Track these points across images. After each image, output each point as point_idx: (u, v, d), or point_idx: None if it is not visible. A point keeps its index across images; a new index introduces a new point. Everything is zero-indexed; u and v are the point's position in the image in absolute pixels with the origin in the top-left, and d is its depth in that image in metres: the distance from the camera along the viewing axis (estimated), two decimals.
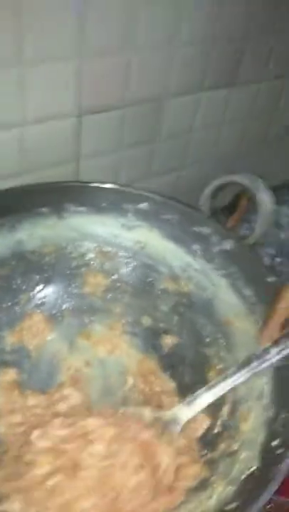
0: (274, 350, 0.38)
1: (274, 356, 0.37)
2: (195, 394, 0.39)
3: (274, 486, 0.29)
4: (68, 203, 0.48)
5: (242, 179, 0.49)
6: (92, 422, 0.37)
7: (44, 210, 0.47)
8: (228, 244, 0.47)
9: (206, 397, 0.38)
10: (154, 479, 0.34)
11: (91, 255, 0.50)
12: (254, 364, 0.38)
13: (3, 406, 0.39)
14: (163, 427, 0.38)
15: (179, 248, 0.49)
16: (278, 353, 0.37)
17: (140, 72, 0.53)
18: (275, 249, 0.78)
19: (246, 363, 0.38)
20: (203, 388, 0.39)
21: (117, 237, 0.50)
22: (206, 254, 0.48)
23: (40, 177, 0.52)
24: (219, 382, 0.38)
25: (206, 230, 0.47)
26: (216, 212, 0.52)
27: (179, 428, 0.37)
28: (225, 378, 0.38)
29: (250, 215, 0.83)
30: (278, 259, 0.76)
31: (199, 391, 0.39)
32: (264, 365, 0.37)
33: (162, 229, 0.49)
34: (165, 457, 0.35)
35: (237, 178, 0.49)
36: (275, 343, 0.38)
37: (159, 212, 0.49)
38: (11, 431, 0.37)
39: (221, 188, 0.51)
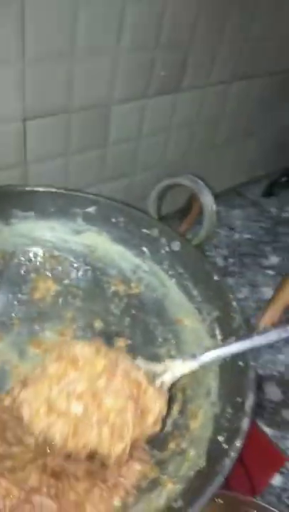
0: (273, 332, 0.38)
1: (273, 336, 0.38)
2: (191, 354, 0.39)
3: (220, 481, 0.30)
4: (15, 209, 0.47)
5: (184, 180, 0.50)
6: (83, 350, 0.37)
7: None
8: (175, 246, 0.48)
9: (202, 358, 0.38)
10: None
11: (40, 260, 0.50)
12: (255, 338, 0.38)
13: None
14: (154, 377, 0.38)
15: (128, 251, 0.50)
16: (278, 335, 0.38)
17: (84, 78, 0.53)
18: (228, 250, 0.81)
19: (247, 336, 0.38)
20: (199, 351, 0.39)
21: (66, 242, 0.50)
22: (154, 256, 0.49)
23: None
24: (217, 347, 0.39)
25: (153, 231, 0.48)
26: (165, 216, 0.53)
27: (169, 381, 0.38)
28: (222, 346, 0.39)
29: (202, 219, 0.86)
30: (231, 260, 0.79)
31: (196, 353, 0.39)
32: (262, 342, 0.38)
33: (111, 232, 0.50)
34: (156, 406, 0.36)
35: (179, 179, 0.50)
36: (275, 326, 0.39)
37: (107, 215, 0.49)
38: None
39: (166, 191, 0.52)
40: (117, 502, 0.33)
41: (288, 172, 0.94)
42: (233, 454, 0.31)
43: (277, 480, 0.50)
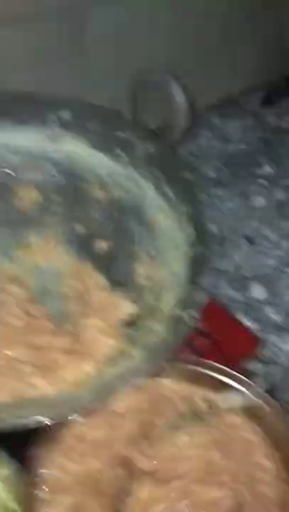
0: None
1: None
2: None
3: (176, 346, 0.33)
4: None
5: (152, 74, 0.48)
6: None
7: None
8: (150, 147, 0.48)
9: None
10: None
11: (19, 169, 0.51)
12: None
13: None
14: None
15: (104, 156, 0.50)
16: None
17: None
18: (221, 162, 0.80)
19: None
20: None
21: (44, 150, 0.51)
22: (131, 159, 0.49)
23: None
24: None
25: (128, 134, 0.48)
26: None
27: None
28: None
29: (197, 130, 0.84)
30: (224, 171, 0.78)
31: None
32: None
33: (86, 137, 0.50)
34: None
35: (147, 74, 0.49)
36: None
37: (81, 120, 0.49)
38: None
39: (139, 89, 0.51)
40: (87, 368, 0.37)
41: (287, 79, 0.89)
42: (190, 323, 0.34)
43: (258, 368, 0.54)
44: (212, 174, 0.77)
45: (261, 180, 0.76)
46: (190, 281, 0.39)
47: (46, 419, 0.30)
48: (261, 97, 0.89)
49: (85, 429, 0.40)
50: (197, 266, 0.40)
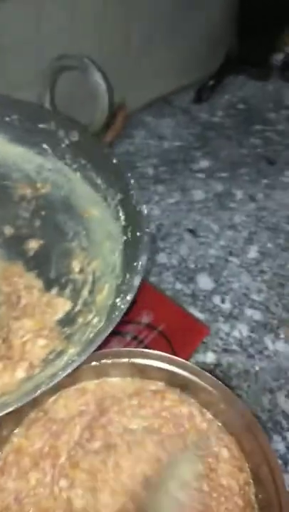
0: None
1: None
2: None
3: (108, 331, 0.31)
4: None
5: (69, 61, 0.47)
6: None
7: None
8: (74, 136, 0.46)
9: None
10: None
11: None
12: None
13: None
14: None
15: (28, 151, 0.48)
16: None
17: None
18: (158, 159, 0.79)
19: None
20: None
21: None
22: (56, 152, 0.47)
23: None
24: None
25: (50, 125, 0.46)
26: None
27: None
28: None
29: (131, 131, 0.84)
30: (162, 168, 0.78)
31: None
32: None
33: (7, 133, 0.47)
34: None
35: (65, 61, 0.47)
36: None
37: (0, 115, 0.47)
38: None
39: (57, 75, 0.49)
40: (20, 373, 0.34)
41: (216, 76, 0.91)
42: (122, 306, 0.31)
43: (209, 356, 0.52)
44: (150, 172, 0.76)
45: (199, 174, 0.76)
46: (126, 269, 0.37)
47: None
48: (192, 94, 0.90)
49: (24, 441, 0.36)
50: (133, 251, 0.38)
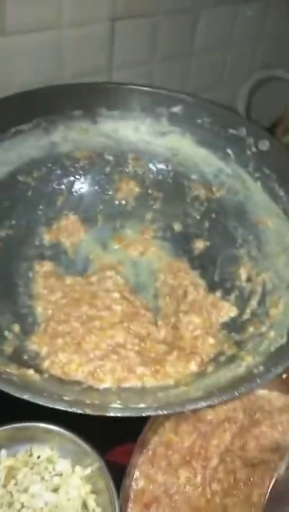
0: None
1: None
2: None
3: None
4: (100, 107, 0.48)
5: (278, 72, 0.47)
6: None
7: (77, 112, 0.48)
8: (263, 145, 0.46)
9: None
10: None
11: (124, 162, 0.50)
12: None
13: (41, 290, 0.42)
14: None
15: (211, 154, 0.48)
16: None
17: None
18: None
19: None
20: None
21: (149, 144, 0.50)
22: (239, 158, 0.47)
23: None
24: None
25: (241, 131, 0.47)
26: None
27: None
28: None
29: None
30: None
31: None
32: None
33: (195, 134, 0.49)
34: None
35: (273, 71, 0.47)
36: None
37: (192, 116, 0.48)
38: (51, 306, 0.40)
39: (258, 87, 0.49)
40: (193, 366, 0.35)
41: None
42: None
43: None
44: None
45: None
46: None
47: (158, 410, 0.28)
48: None
49: (173, 436, 0.37)
50: None
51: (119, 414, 0.27)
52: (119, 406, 0.29)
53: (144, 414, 0.28)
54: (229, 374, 0.33)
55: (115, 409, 0.28)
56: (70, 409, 0.27)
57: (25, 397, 0.27)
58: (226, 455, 0.35)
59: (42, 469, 0.37)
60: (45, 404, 0.27)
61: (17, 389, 0.28)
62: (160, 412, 0.27)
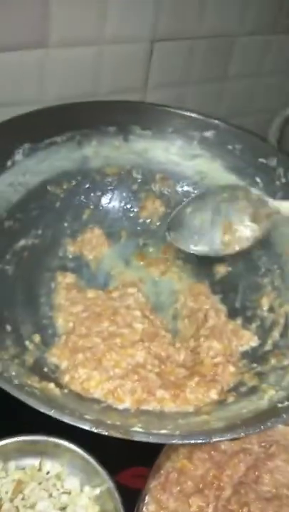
0: None
1: None
2: None
3: None
4: (134, 125, 0.49)
5: None
6: None
7: (111, 129, 0.48)
8: None
9: None
10: None
11: (152, 181, 0.51)
12: None
13: (62, 301, 0.41)
14: None
15: (239, 181, 0.49)
16: None
17: (216, 5, 0.53)
18: None
19: None
20: None
21: (178, 165, 0.51)
22: (268, 188, 0.47)
23: None
24: None
25: (271, 161, 0.47)
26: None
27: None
28: None
29: None
30: None
31: None
32: None
33: (225, 160, 0.49)
34: None
35: None
36: None
37: (224, 141, 0.49)
38: (72, 319, 0.39)
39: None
40: (213, 394, 0.34)
41: None
42: None
43: None
44: None
45: None
46: None
47: (184, 439, 0.27)
48: None
49: (187, 462, 0.37)
50: None
51: (144, 440, 0.27)
52: (142, 430, 0.29)
53: (171, 442, 0.27)
54: (251, 406, 0.32)
55: (140, 433, 0.28)
56: (94, 430, 0.27)
57: (51, 413, 0.27)
58: (239, 487, 0.35)
59: (50, 486, 0.36)
60: (71, 423, 0.27)
61: (43, 404, 0.27)
62: (186, 442, 0.26)
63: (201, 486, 0.35)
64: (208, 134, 0.49)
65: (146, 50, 0.52)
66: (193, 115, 0.49)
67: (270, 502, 0.33)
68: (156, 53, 0.53)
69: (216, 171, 0.50)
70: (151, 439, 0.27)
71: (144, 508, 0.34)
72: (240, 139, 0.48)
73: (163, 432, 0.29)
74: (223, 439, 0.27)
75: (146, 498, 0.34)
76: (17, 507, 0.35)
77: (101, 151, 0.49)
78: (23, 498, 0.36)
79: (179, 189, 0.51)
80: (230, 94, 0.61)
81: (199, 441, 0.27)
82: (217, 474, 0.36)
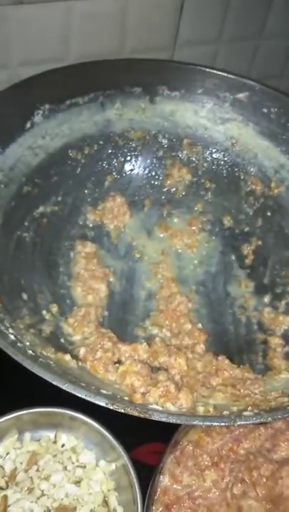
0: None
1: None
2: None
3: None
4: (162, 85, 0.45)
5: None
6: None
7: (136, 89, 0.45)
8: None
9: None
10: None
11: (178, 147, 0.48)
12: None
13: (82, 271, 0.40)
14: None
15: (274, 147, 0.45)
16: None
17: None
18: None
19: None
20: None
21: (207, 130, 0.47)
22: None
23: None
24: None
25: None
26: None
27: None
28: None
29: None
30: None
31: None
32: None
33: (259, 124, 0.45)
34: None
35: None
36: None
37: (258, 104, 0.45)
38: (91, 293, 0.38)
39: None
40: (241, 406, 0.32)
41: None
42: None
43: None
44: None
45: None
46: None
47: (206, 421, 0.25)
48: None
49: (203, 435, 0.35)
50: None
51: (163, 419, 0.25)
52: (160, 408, 0.27)
53: (191, 423, 0.26)
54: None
55: (158, 412, 0.26)
56: (110, 407, 0.25)
57: (64, 386, 0.25)
58: (252, 455, 0.33)
59: (65, 458, 0.35)
60: (86, 398, 0.25)
61: (56, 377, 0.26)
62: (208, 424, 0.24)
63: (216, 459, 0.34)
64: (242, 95, 0.45)
65: (176, 3, 0.48)
66: (225, 75, 0.45)
67: (282, 465, 0.32)
68: (187, 6, 0.49)
69: (248, 137, 0.46)
70: (170, 419, 0.25)
71: (158, 482, 0.32)
72: (276, 101, 0.44)
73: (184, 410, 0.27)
74: (248, 422, 0.25)
75: (161, 471, 0.33)
76: (31, 478, 0.34)
77: (125, 114, 0.46)
78: (37, 470, 0.35)
79: (208, 156, 0.48)
80: (266, 53, 0.57)
81: (222, 424, 0.25)
82: (233, 447, 0.34)
